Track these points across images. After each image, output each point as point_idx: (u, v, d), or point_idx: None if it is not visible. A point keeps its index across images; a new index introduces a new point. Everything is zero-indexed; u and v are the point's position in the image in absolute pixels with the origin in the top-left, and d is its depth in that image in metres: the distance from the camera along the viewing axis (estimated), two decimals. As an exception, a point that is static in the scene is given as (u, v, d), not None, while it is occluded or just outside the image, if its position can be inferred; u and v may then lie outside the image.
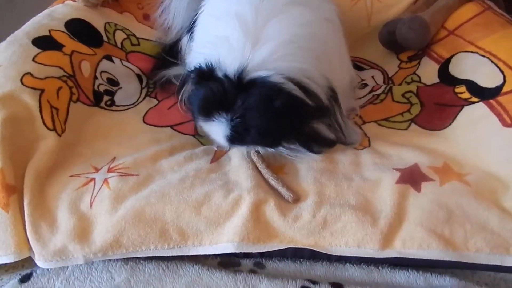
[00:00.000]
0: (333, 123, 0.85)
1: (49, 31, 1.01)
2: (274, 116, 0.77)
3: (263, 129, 0.79)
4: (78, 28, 1.08)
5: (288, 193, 0.78)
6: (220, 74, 0.78)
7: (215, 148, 0.88)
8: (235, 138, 0.79)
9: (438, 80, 1.00)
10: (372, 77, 1.12)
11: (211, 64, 0.79)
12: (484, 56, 0.93)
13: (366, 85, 1.09)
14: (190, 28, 1.06)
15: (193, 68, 0.84)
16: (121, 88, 1.07)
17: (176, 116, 1.02)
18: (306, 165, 0.84)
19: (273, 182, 0.80)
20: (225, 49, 0.79)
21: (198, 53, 0.88)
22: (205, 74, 0.80)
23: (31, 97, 0.86)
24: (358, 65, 1.17)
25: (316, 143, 0.83)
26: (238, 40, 0.78)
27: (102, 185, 0.81)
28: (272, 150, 0.84)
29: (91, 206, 0.78)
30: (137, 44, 1.19)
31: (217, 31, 0.85)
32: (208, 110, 0.78)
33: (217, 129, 0.79)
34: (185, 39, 1.08)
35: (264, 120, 0.78)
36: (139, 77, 1.12)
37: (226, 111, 0.77)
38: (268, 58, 0.76)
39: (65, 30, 1.04)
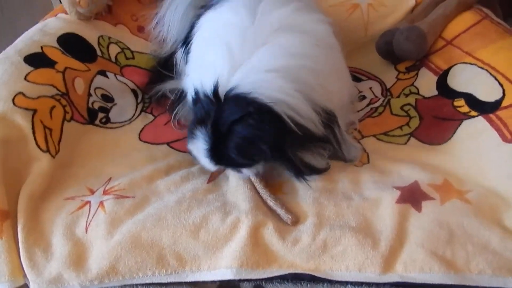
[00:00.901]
0: (328, 145, 0.84)
1: (41, 47, 1.00)
2: (245, 123, 0.75)
3: (237, 138, 0.75)
4: (71, 43, 1.06)
5: (287, 215, 0.77)
6: (201, 95, 0.79)
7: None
8: (214, 153, 0.78)
9: (436, 93, 0.99)
10: (370, 88, 1.11)
11: (196, 89, 0.80)
12: (482, 68, 0.92)
13: (364, 97, 1.08)
14: (184, 42, 1.05)
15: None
16: (116, 104, 1.06)
17: (172, 132, 1.00)
18: (304, 184, 0.83)
19: (271, 203, 0.79)
20: (208, 74, 0.79)
21: (189, 78, 0.88)
22: (194, 100, 0.80)
23: (24, 118, 0.85)
24: (356, 76, 1.15)
25: (304, 170, 0.81)
26: (222, 67, 0.77)
27: (97, 209, 0.80)
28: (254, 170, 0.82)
29: (86, 231, 0.77)
30: (131, 58, 1.17)
31: (206, 57, 0.85)
32: (192, 130, 0.79)
33: (198, 148, 0.78)
34: (179, 53, 1.06)
35: (236, 127, 0.75)
36: (134, 92, 1.11)
37: (203, 126, 0.76)
38: (245, 81, 0.75)
39: (58, 46, 1.03)
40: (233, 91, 0.75)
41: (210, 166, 0.80)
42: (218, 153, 0.77)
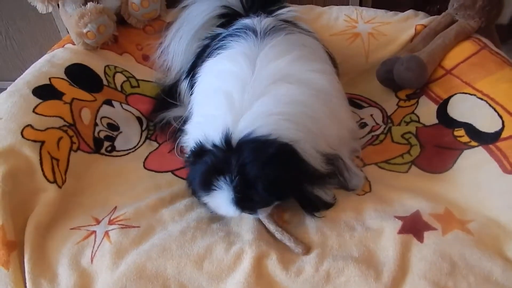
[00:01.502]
0: (334, 179, 0.85)
1: (50, 79, 1.02)
2: (272, 164, 0.76)
3: (267, 180, 0.76)
4: (78, 74, 1.09)
5: (297, 247, 0.78)
6: (209, 146, 0.78)
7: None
8: (242, 199, 0.76)
9: (437, 121, 1.00)
10: (371, 115, 1.13)
11: (200, 142, 0.79)
12: (482, 99, 0.93)
13: (365, 124, 1.10)
14: (188, 73, 1.07)
15: (189, 152, 0.84)
16: (121, 132, 1.08)
17: (176, 160, 1.02)
18: (307, 215, 0.84)
19: (279, 236, 0.80)
20: (211, 126, 0.79)
21: (190, 132, 0.89)
22: (197, 153, 0.80)
23: (32, 150, 0.87)
24: (357, 102, 1.17)
25: (316, 205, 0.82)
26: (224, 118, 0.78)
27: (103, 239, 0.81)
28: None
29: (92, 261, 0.78)
30: (136, 86, 1.20)
31: (205, 109, 0.86)
32: (207, 182, 0.76)
33: (221, 198, 0.76)
34: (184, 84, 1.09)
35: (265, 170, 0.76)
36: (139, 119, 1.13)
37: (223, 175, 0.75)
38: (257, 126, 0.76)
39: (65, 77, 1.05)
40: (249, 136, 0.75)
41: (235, 213, 0.78)
42: (245, 200, 0.76)
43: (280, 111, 0.79)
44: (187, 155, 0.85)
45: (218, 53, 0.93)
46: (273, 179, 0.75)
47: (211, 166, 0.76)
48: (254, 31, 0.93)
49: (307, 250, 0.78)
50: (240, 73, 0.84)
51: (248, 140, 0.76)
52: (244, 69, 0.84)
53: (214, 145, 0.77)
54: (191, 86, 1.02)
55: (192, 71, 1.06)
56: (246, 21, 0.99)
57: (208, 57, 0.96)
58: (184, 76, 1.10)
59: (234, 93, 0.81)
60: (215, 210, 0.80)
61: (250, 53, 0.87)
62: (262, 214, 0.81)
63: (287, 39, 0.93)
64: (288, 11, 1.09)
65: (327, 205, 0.84)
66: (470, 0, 1.09)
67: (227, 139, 0.76)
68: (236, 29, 0.97)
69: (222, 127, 0.77)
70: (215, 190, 0.76)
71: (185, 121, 1.02)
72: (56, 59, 1.10)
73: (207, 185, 0.76)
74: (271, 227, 0.81)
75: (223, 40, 0.95)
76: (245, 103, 0.80)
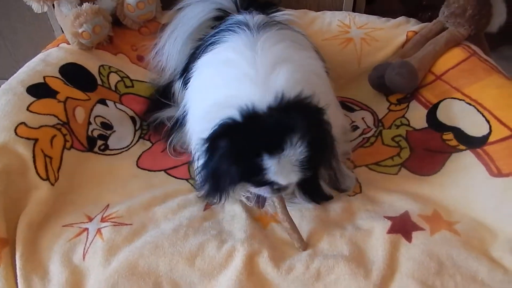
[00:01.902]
0: (331, 170, 0.87)
1: (44, 77, 1.02)
2: (325, 129, 0.80)
3: (324, 144, 0.78)
4: (73, 73, 1.09)
5: (300, 242, 0.79)
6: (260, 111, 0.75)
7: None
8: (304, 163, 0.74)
9: (426, 125, 1.02)
10: (363, 118, 1.14)
11: (249, 107, 0.75)
12: (470, 104, 0.96)
13: (357, 127, 1.12)
14: (182, 74, 1.08)
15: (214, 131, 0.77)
16: (114, 131, 1.08)
17: (169, 159, 1.03)
18: (299, 213, 0.85)
19: (288, 226, 0.80)
20: (235, 103, 0.76)
21: (199, 123, 0.85)
22: (248, 116, 0.75)
23: (25, 148, 0.87)
24: (349, 106, 1.19)
25: (316, 195, 0.85)
26: (250, 93, 0.77)
27: (95, 236, 0.81)
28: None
29: (84, 258, 0.78)
30: (131, 86, 1.20)
31: (217, 95, 0.83)
32: (274, 143, 0.73)
33: (286, 162, 0.73)
34: (177, 84, 1.10)
35: (321, 134, 0.78)
36: (132, 119, 1.13)
37: (290, 139, 0.72)
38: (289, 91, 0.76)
39: (60, 76, 1.05)
40: (295, 99, 0.76)
41: (291, 179, 0.76)
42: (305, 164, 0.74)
43: (300, 81, 0.80)
44: (215, 129, 0.77)
45: (213, 48, 0.93)
46: (327, 143, 0.80)
47: (278, 124, 0.74)
48: (247, 26, 0.93)
49: (306, 247, 0.79)
50: (244, 58, 0.84)
51: (296, 103, 0.76)
52: (247, 55, 0.84)
53: (269, 108, 0.74)
54: (185, 86, 1.03)
55: (185, 71, 1.07)
56: (239, 17, 1.00)
57: (202, 54, 0.96)
58: (178, 77, 1.11)
59: (247, 73, 0.80)
60: (269, 177, 0.75)
61: (248, 43, 0.87)
62: (279, 199, 0.81)
63: (280, 33, 0.94)
64: (282, 15, 1.11)
65: (328, 197, 0.87)
66: (460, 8, 1.12)
67: (280, 102, 0.75)
68: (229, 24, 0.98)
69: (251, 100, 0.75)
70: (283, 151, 0.73)
71: (177, 120, 1.03)
72: (51, 58, 1.10)
73: (275, 147, 0.73)
74: (284, 212, 0.80)
75: (216, 36, 0.96)
76: (262, 79, 0.79)
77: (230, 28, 0.95)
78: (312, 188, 0.86)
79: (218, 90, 0.84)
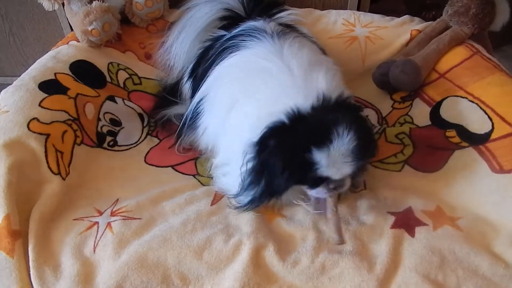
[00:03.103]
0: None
1: (55, 74, 1.05)
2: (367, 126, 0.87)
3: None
4: (82, 70, 1.11)
5: (338, 236, 0.79)
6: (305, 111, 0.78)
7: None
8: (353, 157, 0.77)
9: (430, 123, 1.04)
10: (367, 116, 1.15)
11: (295, 109, 0.78)
12: (473, 102, 0.97)
13: (361, 125, 1.13)
14: (191, 74, 1.10)
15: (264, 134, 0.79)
16: (123, 128, 1.10)
17: (176, 156, 1.05)
18: (303, 209, 0.87)
19: (332, 219, 0.80)
20: (290, 100, 0.79)
21: (250, 127, 0.83)
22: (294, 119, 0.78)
23: (37, 142, 0.89)
24: (353, 104, 1.21)
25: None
26: (293, 94, 0.80)
27: (105, 229, 0.83)
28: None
29: (94, 250, 0.80)
30: (139, 83, 1.22)
31: (264, 102, 0.84)
32: (323, 137, 0.76)
33: (336, 153, 0.75)
34: (187, 85, 1.11)
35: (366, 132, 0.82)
36: (140, 116, 1.15)
37: (339, 131, 0.75)
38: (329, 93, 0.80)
39: (70, 73, 1.08)
40: (338, 99, 0.80)
41: (345, 171, 0.78)
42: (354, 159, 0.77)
43: (337, 82, 0.85)
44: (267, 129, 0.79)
45: (234, 54, 0.94)
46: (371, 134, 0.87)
47: (320, 122, 0.77)
48: (266, 32, 0.95)
49: (342, 243, 0.79)
50: (278, 66, 0.86)
51: (338, 103, 0.80)
52: (277, 63, 0.86)
53: (313, 108, 0.78)
54: (194, 87, 1.05)
55: (194, 72, 1.09)
56: (254, 23, 1.02)
57: (219, 58, 0.97)
58: (186, 77, 1.13)
59: (286, 79, 0.83)
60: (321, 173, 0.77)
61: (274, 50, 0.90)
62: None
63: (299, 40, 0.96)
64: (288, 15, 1.12)
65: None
66: (464, 7, 1.13)
67: (322, 103, 0.79)
68: (247, 30, 0.99)
69: (296, 104, 0.78)
70: (331, 143, 0.75)
71: (187, 120, 1.03)
72: (61, 55, 1.12)
73: (321, 139, 0.75)
74: (335, 212, 0.81)
75: (232, 40, 0.97)
76: (302, 84, 0.82)
77: (250, 34, 0.96)
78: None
79: (258, 99, 0.85)
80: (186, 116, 1.03)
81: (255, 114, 0.83)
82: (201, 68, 1.04)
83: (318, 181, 0.79)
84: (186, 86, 1.11)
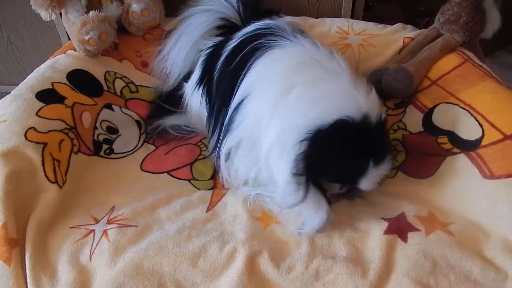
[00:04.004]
0: None
1: (52, 83, 1.06)
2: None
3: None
4: (80, 79, 1.12)
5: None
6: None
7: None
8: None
9: (422, 129, 1.05)
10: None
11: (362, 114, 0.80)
12: (464, 108, 0.99)
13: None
14: (201, 81, 1.09)
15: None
16: (120, 135, 1.11)
17: (172, 161, 1.06)
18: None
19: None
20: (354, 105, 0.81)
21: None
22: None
23: (35, 151, 0.90)
24: (347, 110, 1.22)
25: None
26: (358, 101, 0.82)
27: (101, 237, 0.84)
28: None
29: (90, 258, 0.81)
30: (135, 91, 1.24)
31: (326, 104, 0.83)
32: (381, 156, 0.82)
33: (377, 174, 0.82)
34: (195, 95, 1.10)
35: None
36: (138, 123, 1.16)
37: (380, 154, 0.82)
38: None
39: (67, 82, 1.09)
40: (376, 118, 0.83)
41: (371, 187, 0.83)
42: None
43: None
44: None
45: (270, 52, 0.92)
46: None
47: (381, 140, 0.84)
48: (289, 32, 0.96)
49: None
50: (334, 76, 0.86)
51: (383, 122, 0.85)
52: (333, 73, 0.87)
53: (375, 123, 0.82)
54: (208, 92, 1.05)
55: (205, 78, 1.07)
56: (268, 22, 1.02)
57: (251, 59, 0.94)
58: (193, 88, 1.10)
59: (348, 90, 0.84)
60: (357, 180, 0.82)
61: (309, 49, 0.91)
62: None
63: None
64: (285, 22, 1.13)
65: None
66: (455, 15, 1.15)
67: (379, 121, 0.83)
68: (267, 29, 0.99)
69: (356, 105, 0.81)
70: (382, 164, 0.81)
71: (227, 123, 0.96)
72: (58, 65, 1.14)
73: (379, 158, 0.81)
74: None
75: (259, 40, 0.95)
76: (363, 97, 0.83)
77: (275, 33, 0.96)
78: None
79: (322, 90, 0.85)
80: (223, 123, 0.97)
81: (320, 102, 0.82)
82: (216, 74, 1.02)
83: (349, 183, 0.85)
84: (195, 97, 1.10)
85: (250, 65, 0.94)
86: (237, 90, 0.94)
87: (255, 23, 1.04)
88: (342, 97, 0.83)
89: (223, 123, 0.97)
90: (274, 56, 0.92)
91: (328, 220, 0.83)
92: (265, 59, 0.92)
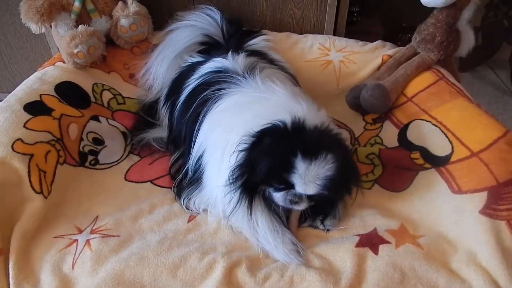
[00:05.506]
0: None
1: (40, 95, 1.08)
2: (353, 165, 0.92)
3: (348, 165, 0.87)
4: (67, 91, 1.14)
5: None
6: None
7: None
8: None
9: (397, 144, 1.10)
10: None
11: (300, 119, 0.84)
12: (436, 125, 1.03)
13: (334, 145, 1.18)
14: (167, 99, 1.15)
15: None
16: (106, 146, 1.14)
17: (156, 170, 1.09)
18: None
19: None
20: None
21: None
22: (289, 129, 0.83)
23: (21, 162, 0.92)
24: (328, 124, 1.26)
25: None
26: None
27: (84, 247, 0.87)
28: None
29: (73, 267, 0.84)
30: (123, 103, 1.26)
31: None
32: (312, 150, 0.81)
33: (312, 172, 0.80)
34: (163, 110, 1.17)
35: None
36: (124, 134, 1.19)
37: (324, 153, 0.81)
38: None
39: (55, 94, 1.11)
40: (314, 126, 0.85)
41: (309, 190, 0.82)
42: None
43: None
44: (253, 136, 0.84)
45: (219, 103, 0.98)
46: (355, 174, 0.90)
47: (316, 140, 0.83)
48: (238, 74, 1.01)
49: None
50: (261, 99, 0.93)
51: (331, 133, 0.88)
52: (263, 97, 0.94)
53: (315, 127, 0.84)
54: (170, 111, 1.10)
55: (170, 98, 1.14)
56: (222, 62, 1.07)
57: (203, 111, 1.01)
58: (163, 102, 1.17)
59: (273, 98, 0.92)
60: (292, 179, 0.81)
61: (253, 89, 0.97)
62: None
63: (268, 73, 1.03)
64: (261, 40, 1.18)
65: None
66: (430, 35, 1.20)
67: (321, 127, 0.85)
68: (219, 75, 1.04)
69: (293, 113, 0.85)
70: (315, 160, 0.80)
71: (190, 176, 1.02)
72: (47, 77, 1.16)
73: (310, 152, 0.80)
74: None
75: (210, 89, 1.01)
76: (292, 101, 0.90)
77: (225, 79, 1.01)
78: (326, 211, 0.93)
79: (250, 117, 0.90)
80: (187, 171, 1.02)
81: (254, 116, 0.88)
82: (177, 111, 1.09)
83: (283, 185, 0.83)
84: (163, 111, 1.16)
85: (202, 117, 1.00)
86: (195, 140, 1.01)
87: (216, 61, 1.09)
88: (275, 108, 0.88)
89: (187, 167, 1.02)
90: (221, 107, 0.98)
91: (294, 250, 0.85)
92: (213, 112, 0.98)
